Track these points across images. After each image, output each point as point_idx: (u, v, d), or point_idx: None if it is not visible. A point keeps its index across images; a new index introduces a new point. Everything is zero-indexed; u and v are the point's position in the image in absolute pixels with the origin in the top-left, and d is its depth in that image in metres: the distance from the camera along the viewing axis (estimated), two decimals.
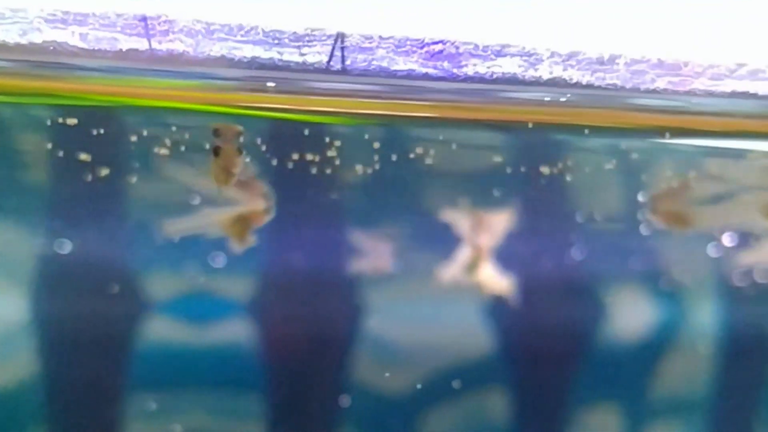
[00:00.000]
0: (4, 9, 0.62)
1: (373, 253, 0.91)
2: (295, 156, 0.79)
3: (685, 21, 0.74)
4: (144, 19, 0.64)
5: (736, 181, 0.89)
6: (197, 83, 0.67)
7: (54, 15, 0.63)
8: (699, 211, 0.89)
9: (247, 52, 0.66)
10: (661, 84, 0.73)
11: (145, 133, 0.75)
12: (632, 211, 0.92)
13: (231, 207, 0.82)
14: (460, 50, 0.69)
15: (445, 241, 0.90)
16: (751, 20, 0.75)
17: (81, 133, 0.74)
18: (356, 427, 0.92)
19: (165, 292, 0.87)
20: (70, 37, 0.63)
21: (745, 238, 0.95)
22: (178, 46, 0.65)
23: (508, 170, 0.86)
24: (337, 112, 0.71)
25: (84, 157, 0.78)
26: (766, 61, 0.75)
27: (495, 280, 0.91)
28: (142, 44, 0.64)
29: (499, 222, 0.89)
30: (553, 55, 0.71)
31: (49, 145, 0.78)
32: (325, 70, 0.67)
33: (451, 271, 0.89)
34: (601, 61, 0.72)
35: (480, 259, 0.89)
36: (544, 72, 0.71)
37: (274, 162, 0.80)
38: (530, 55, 0.71)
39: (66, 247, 0.84)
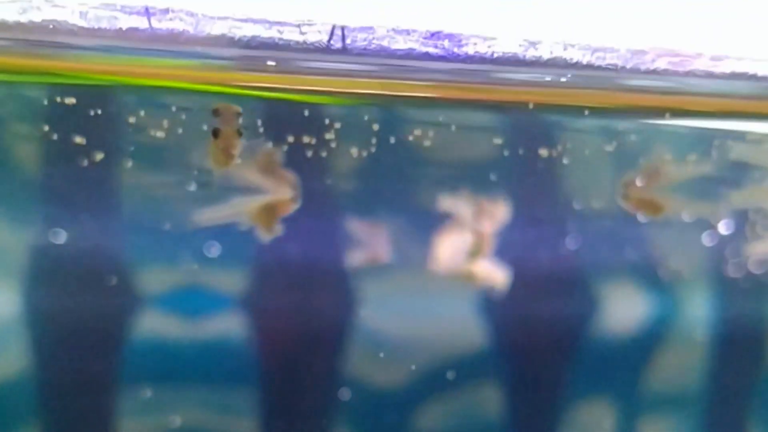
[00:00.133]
0: None
1: (369, 243, 0.90)
2: (291, 139, 0.79)
3: (683, 13, 0.74)
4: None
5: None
6: (197, 63, 0.66)
7: None
8: (671, 197, 0.89)
9: (248, 31, 0.66)
10: (661, 64, 0.73)
11: (142, 113, 0.75)
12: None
13: (259, 196, 0.81)
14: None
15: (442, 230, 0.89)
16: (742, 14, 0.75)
17: (78, 114, 0.74)
18: (349, 420, 0.92)
19: (158, 286, 0.87)
20: (69, 15, 0.63)
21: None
22: (179, 25, 0.64)
23: (506, 153, 0.86)
24: (338, 92, 0.70)
25: (79, 140, 0.77)
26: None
27: (490, 271, 0.90)
28: (142, 23, 0.64)
29: (500, 209, 0.89)
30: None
31: (46, 127, 0.77)
32: (326, 50, 0.67)
33: (452, 258, 0.89)
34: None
35: (483, 246, 0.89)
36: (544, 51, 0.71)
37: (270, 145, 0.80)
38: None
39: (60, 236, 0.84)
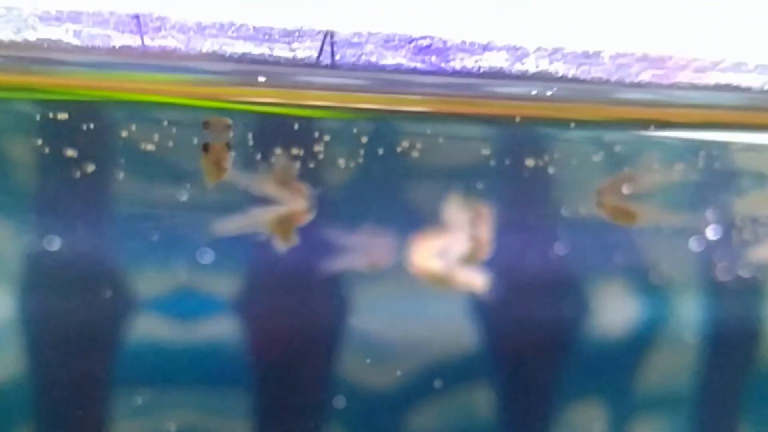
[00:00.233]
0: None
1: (361, 250, 0.91)
2: (279, 151, 0.80)
3: (668, 17, 0.75)
4: (137, 16, 0.64)
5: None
6: (189, 78, 0.67)
7: (48, 13, 0.63)
8: (644, 206, 0.89)
9: (239, 48, 0.67)
10: (645, 77, 0.74)
11: (134, 128, 0.76)
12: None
13: (276, 207, 0.83)
14: (448, 44, 0.70)
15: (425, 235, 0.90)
16: (734, 17, 0.76)
17: (70, 129, 0.74)
18: (342, 423, 0.92)
19: (152, 290, 0.87)
20: (64, 34, 0.64)
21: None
22: (171, 43, 0.65)
23: (492, 163, 0.86)
24: (327, 106, 0.71)
25: (71, 153, 0.78)
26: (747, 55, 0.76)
27: (470, 276, 0.91)
28: (135, 41, 0.65)
29: (492, 215, 0.89)
30: (539, 49, 0.72)
31: (39, 142, 0.78)
32: (315, 65, 0.68)
33: (432, 262, 0.89)
34: (586, 55, 0.73)
35: (479, 251, 0.89)
36: (530, 66, 0.72)
37: (258, 156, 0.81)
38: (516, 49, 0.71)
39: (54, 243, 0.85)
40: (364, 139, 0.80)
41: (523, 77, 0.72)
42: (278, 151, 0.81)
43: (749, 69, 0.77)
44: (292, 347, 0.91)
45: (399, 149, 0.81)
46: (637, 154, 0.87)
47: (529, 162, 0.86)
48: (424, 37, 0.69)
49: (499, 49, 0.71)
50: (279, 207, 0.84)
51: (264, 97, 0.69)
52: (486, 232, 0.89)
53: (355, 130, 0.79)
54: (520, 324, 0.94)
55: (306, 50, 0.67)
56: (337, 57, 0.68)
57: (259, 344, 0.89)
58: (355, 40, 0.68)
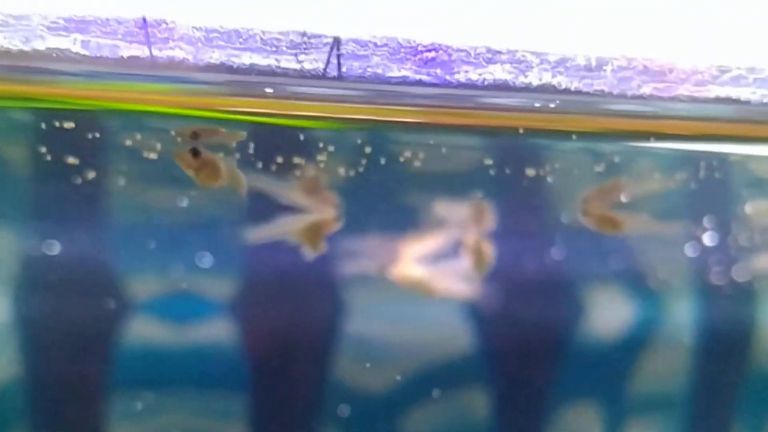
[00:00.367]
0: (7, 17, 0.62)
1: (359, 255, 0.91)
2: (280, 159, 0.80)
3: (670, 26, 0.75)
4: (144, 26, 0.64)
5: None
6: (196, 88, 0.67)
7: (56, 23, 0.63)
8: (631, 214, 0.90)
9: (246, 59, 0.67)
10: (646, 90, 0.75)
11: (138, 137, 0.76)
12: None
13: (305, 215, 0.83)
14: (453, 57, 0.71)
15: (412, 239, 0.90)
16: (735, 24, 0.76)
17: (75, 137, 0.74)
18: (339, 426, 0.92)
19: (148, 293, 0.87)
20: (71, 44, 0.64)
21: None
22: (178, 54, 0.65)
23: (492, 172, 0.87)
24: (332, 117, 0.72)
25: (73, 160, 0.78)
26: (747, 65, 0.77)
27: (451, 282, 0.91)
28: (142, 51, 0.65)
29: (490, 222, 0.90)
30: (542, 62, 0.72)
31: (43, 149, 0.78)
32: (322, 77, 0.68)
33: (455, 267, 0.90)
34: (588, 68, 0.73)
35: (484, 258, 0.90)
36: (533, 78, 0.72)
37: (260, 164, 0.81)
38: (520, 62, 0.72)
39: (53, 248, 0.85)
40: (368, 149, 0.80)
41: (526, 90, 0.72)
42: (300, 160, 0.81)
43: (749, 82, 0.77)
44: (288, 351, 0.91)
45: (402, 159, 0.82)
46: (631, 163, 0.88)
47: (529, 171, 0.87)
48: (430, 50, 0.70)
49: (503, 62, 0.72)
50: (308, 216, 0.84)
51: (270, 108, 0.69)
52: (485, 241, 0.89)
53: (359, 141, 0.79)
54: (517, 328, 0.95)
55: (313, 62, 0.68)
56: (344, 69, 0.68)
57: (255, 347, 0.89)
58: (362, 52, 0.68)
